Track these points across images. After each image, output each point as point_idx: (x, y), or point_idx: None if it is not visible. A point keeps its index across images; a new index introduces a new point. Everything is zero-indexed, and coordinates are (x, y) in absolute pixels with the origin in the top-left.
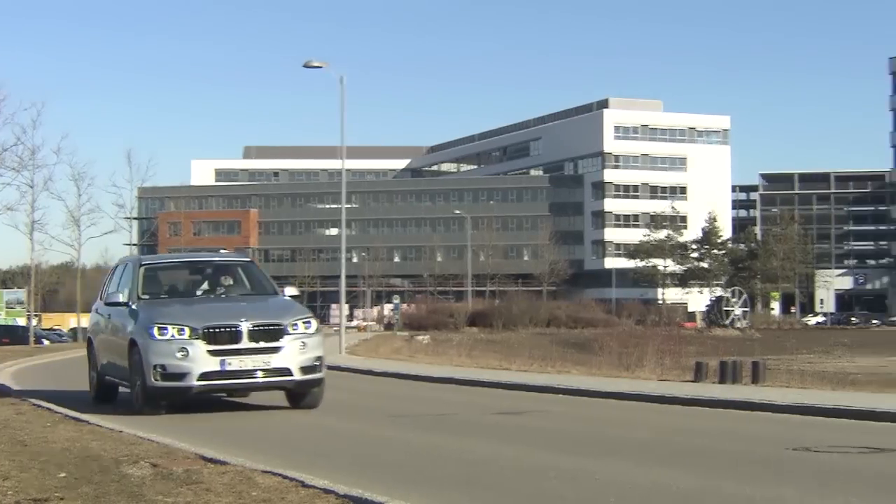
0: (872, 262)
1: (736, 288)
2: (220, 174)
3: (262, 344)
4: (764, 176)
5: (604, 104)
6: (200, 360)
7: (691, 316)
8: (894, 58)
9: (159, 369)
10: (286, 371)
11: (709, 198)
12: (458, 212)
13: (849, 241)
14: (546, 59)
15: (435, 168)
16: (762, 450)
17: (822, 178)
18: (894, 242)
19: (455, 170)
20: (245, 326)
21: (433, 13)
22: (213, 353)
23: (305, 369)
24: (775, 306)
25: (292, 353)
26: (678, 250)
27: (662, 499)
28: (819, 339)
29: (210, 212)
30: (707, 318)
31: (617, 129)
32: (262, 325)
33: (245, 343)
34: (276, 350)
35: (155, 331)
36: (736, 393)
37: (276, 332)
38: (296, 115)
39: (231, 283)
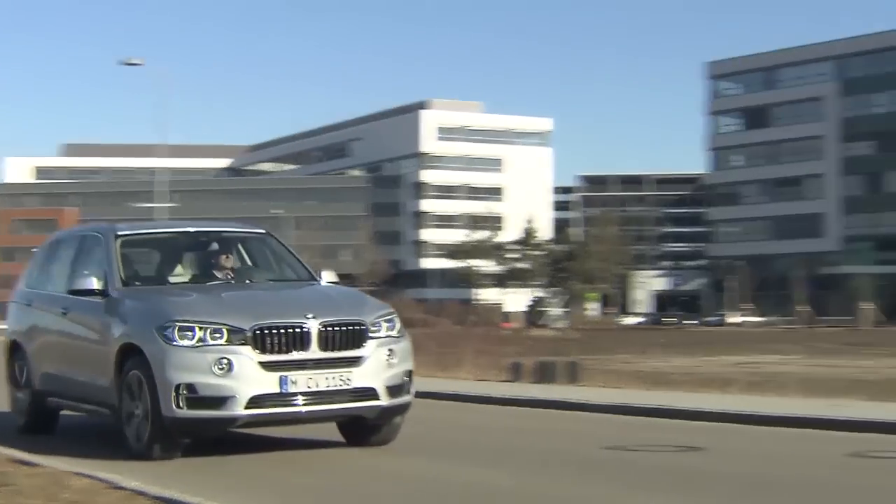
0: (689, 263)
1: (555, 288)
2: (41, 172)
3: (337, 353)
4: (583, 178)
5: (422, 105)
6: (250, 376)
7: (510, 316)
8: (712, 62)
9: (185, 391)
10: (370, 393)
11: (529, 199)
12: (278, 211)
13: (667, 243)
14: (370, 60)
15: (256, 167)
16: (578, 449)
17: (641, 181)
18: (710, 244)
19: (276, 169)
20: (313, 326)
21: (254, 9)
22: (267, 365)
23: (393, 390)
24: (594, 307)
25: (378, 367)
26: (496, 251)
27: (476, 499)
28: (636, 339)
29: (26, 209)
30: (527, 318)
31: (437, 129)
32: (337, 325)
33: (314, 351)
34: (356, 361)
35: (175, 332)
36: (553, 392)
37: (356, 335)
38: (116, 112)
39: (246, 263)
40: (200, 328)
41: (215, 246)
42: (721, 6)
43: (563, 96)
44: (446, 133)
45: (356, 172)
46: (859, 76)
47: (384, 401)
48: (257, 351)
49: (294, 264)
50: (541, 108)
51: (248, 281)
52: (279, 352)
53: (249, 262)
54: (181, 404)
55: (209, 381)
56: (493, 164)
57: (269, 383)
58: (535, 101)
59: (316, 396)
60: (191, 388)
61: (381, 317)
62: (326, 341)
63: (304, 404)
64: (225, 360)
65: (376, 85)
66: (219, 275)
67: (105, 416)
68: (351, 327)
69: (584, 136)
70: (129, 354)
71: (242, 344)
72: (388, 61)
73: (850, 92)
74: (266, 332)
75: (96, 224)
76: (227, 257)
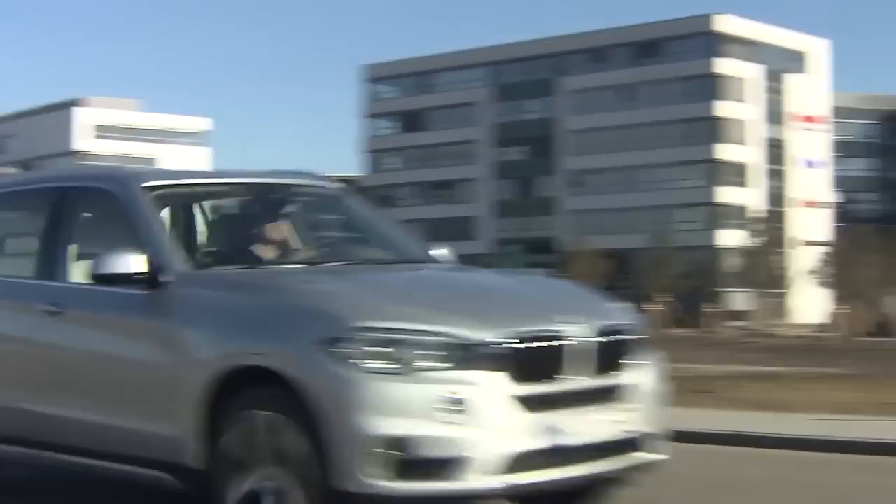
0: None
1: None
2: None
3: (609, 379)
4: None
5: (76, 102)
6: (503, 422)
7: None
8: (369, 65)
9: (391, 450)
10: (642, 442)
11: None
12: None
13: None
14: (25, 54)
15: None
16: None
17: None
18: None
19: None
20: (587, 336)
21: None
22: (529, 403)
23: (660, 435)
24: None
25: (650, 400)
26: None
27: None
28: None
29: None
30: None
31: (94, 128)
32: (611, 332)
33: (588, 377)
34: (627, 392)
35: (361, 348)
36: None
37: (622, 348)
38: None
39: (293, 234)
40: (405, 342)
41: (290, 208)
42: (379, 9)
43: (221, 96)
44: (103, 131)
45: (10, 170)
46: (514, 82)
47: (650, 454)
48: (513, 378)
49: (395, 236)
50: (199, 108)
51: (365, 261)
52: (541, 379)
53: (296, 233)
54: (383, 472)
55: (434, 434)
56: (147, 164)
57: (533, 432)
58: (193, 100)
59: (590, 451)
60: (401, 443)
61: (633, 320)
62: (605, 361)
63: (580, 462)
64: (458, 398)
65: (33, 81)
66: (260, 252)
67: (165, 483)
68: (620, 335)
69: (242, 136)
70: (240, 384)
71: (484, 367)
72: (45, 56)
73: (504, 97)
74: (525, 346)
75: (79, 169)
76: (278, 226)
